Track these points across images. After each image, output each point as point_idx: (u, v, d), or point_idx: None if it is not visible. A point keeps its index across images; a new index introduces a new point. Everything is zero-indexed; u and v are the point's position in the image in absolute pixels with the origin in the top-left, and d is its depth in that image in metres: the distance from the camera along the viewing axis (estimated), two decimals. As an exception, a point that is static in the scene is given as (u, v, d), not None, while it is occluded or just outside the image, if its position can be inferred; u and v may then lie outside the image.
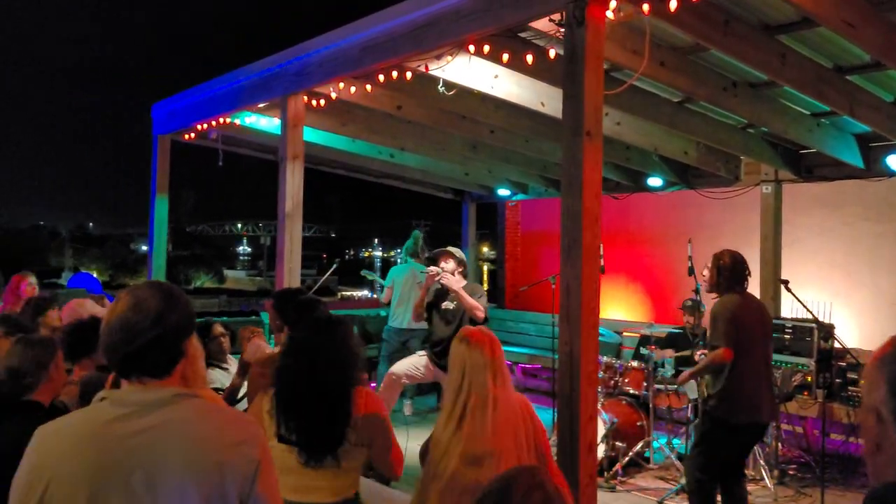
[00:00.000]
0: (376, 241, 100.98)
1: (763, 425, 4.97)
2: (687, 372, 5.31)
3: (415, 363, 6.30)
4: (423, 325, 6.74)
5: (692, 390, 6.25)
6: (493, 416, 2.77)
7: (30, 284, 6.27)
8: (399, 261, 8.64)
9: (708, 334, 4.99)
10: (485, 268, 42.24)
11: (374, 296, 8.48)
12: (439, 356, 6.01)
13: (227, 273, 76.97)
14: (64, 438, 1.70)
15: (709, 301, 6.63)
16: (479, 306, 5.95)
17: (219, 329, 5.25)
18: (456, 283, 6.02)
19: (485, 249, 53.14)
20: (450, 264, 6.17)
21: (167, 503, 1.64)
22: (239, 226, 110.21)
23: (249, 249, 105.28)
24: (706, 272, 5.11)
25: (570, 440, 3.74)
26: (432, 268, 6.16)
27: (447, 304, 6.17)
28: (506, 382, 2.92)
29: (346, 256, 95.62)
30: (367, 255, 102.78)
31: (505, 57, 4.80)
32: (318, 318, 2.97)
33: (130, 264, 61.46)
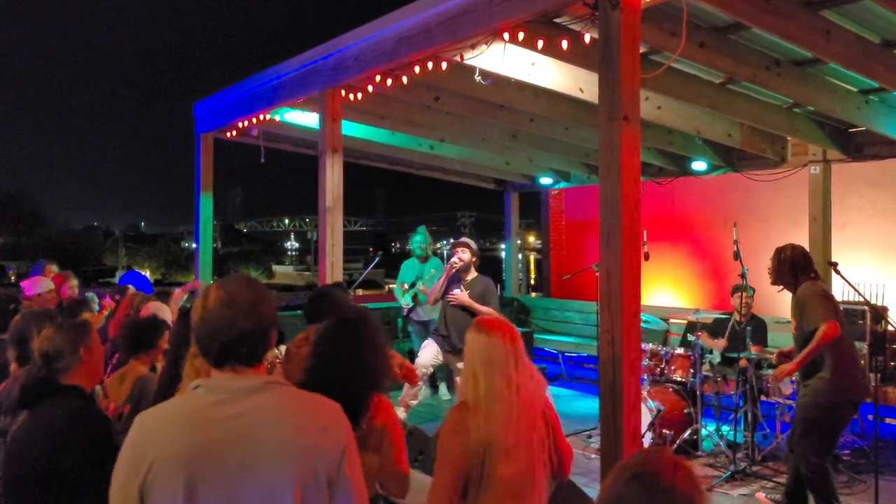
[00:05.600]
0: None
1: None
2: (791, 364, 4.95)
3: (434, 353, 6.46)
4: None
5: (786, 385, 6.05)
6: (517, 404, 2.69)
7: (70, 287, 6.16)
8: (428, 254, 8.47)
9: (800, 320, 4.86)
10: (531, 257, 42.10)
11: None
12: (448, 341, 6.32)
13: (276, 268, 77.98)
14: (166, 422, 1.79)
15: (757, 284, 6.52)
16: (491, 313, 6.04)
17: None
18: (468, 299, 6.23)
19: (531, 239, 52.93)
20: (466, 254, 6.37)
21: (263, 483, 1.72)
22: (286, 221, 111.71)
23: (297, 244, 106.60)
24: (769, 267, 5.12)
25: (613, 429, 3.71)
26: (453, 259, 6.35)
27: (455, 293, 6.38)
28: (527, 370, 2.82)
29: (393, 249, 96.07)
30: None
31: (540, 43, 4.74)
32: (345, 315, 2.90)
33: (182, 262, 62.65)
